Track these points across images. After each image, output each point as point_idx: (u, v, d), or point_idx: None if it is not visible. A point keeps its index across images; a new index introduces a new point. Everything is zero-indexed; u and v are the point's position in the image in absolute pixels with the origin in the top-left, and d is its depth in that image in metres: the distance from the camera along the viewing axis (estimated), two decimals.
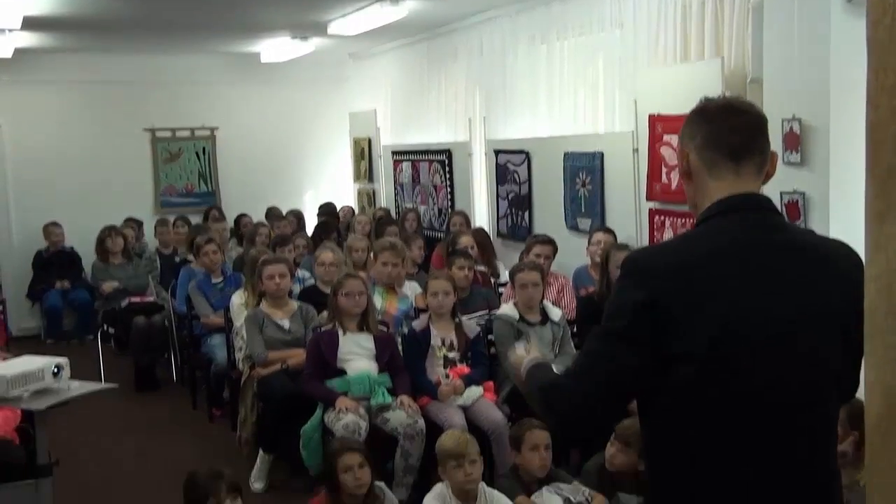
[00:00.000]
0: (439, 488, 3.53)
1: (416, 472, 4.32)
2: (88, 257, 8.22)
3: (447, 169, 8.00)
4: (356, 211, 9.49)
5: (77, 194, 8.99)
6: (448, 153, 7.96)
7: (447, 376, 4.61)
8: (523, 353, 2.00)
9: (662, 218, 5.25)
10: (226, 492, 3.11)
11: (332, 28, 7.25)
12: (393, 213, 8.70)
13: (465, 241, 6.23)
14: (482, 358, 4.78)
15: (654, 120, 5.17)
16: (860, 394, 1.39)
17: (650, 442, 1.77)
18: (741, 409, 1.62)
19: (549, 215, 6.53)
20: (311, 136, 10.08)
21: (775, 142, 4.05)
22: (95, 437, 5.77)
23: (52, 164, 8.96)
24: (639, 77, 5.42)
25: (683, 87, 4.78)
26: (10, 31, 6.88)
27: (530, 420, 3.76)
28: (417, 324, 4.83)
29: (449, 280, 4.82)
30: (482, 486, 3.54)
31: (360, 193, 10.06)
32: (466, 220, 7.28)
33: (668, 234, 5.17)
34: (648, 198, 5.33)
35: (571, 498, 3.55)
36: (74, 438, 5.58)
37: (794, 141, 4.02)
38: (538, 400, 1.80)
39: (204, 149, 9.79)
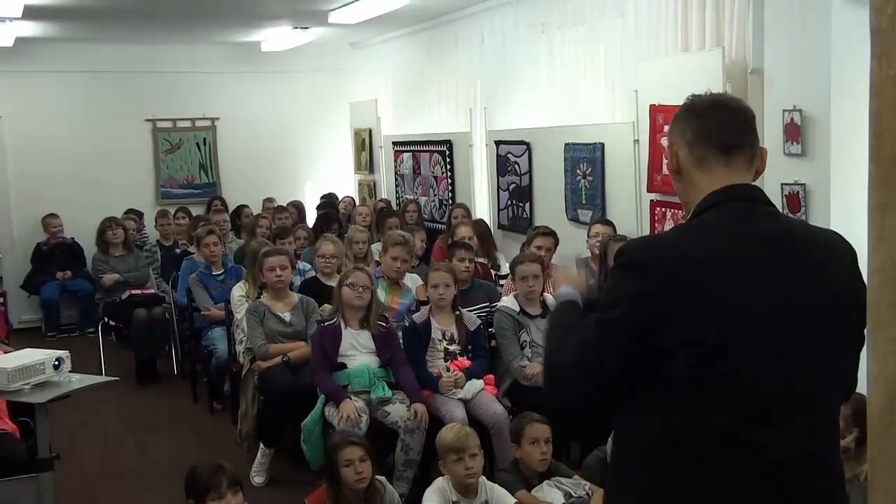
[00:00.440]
0: (440, 482, 3.53)
1: (417, 465, 4.31)
2: (89, 249, 8.22)
3: (448, 160, 7.98)
4: (356, 202, 9.48)
5: (78, 185, 8.97)
6: (449, 144, 7.94)
7: (448, 369, 4.60)
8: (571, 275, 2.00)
9: (663, 209, 5.24)
10: (227, 486, 3.11)
11: (333, 17, 7.23)
12: (394, 205, 8.69)
13: (463, 231, 6.21)
14: (483, 351, 4.77)
15: (654, 110, 5.15)
16: (861, 388, 1.38)
17: (629, 433, 1.76)
18: (736, 401, 1.60)
19: (549, 207, 6.51)
20: (311, 127, 10.06)
21: (776, 132, 4.07)
22: (96, 430, 5.78)
23: (52, 155, 8.93)
24: (640, 67, 5.39)
25: (684, 77, 4.76)
26: (11, 20, 6.86)
27: (530, 414, 3.75)
28: (418, 316, 4.81)
29: (449, 272, 4.80)
30: (482, 480, 3.54)
31: (360, 184, 10.04)
32: (468, 213, 7.27)
33: (668, 226, 5.15)
34: (649, 189, 5.32)
35: (572, 492, 3.55)
36: (75, 432, 5.58)
37: (794, 132, 4.00)
38: (545, 370, 1.83)
39: (204, 139, 9.77)
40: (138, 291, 7.43)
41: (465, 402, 4.48)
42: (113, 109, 9.23)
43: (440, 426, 3.87)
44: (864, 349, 1.60)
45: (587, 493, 3.55)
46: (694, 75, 4.56)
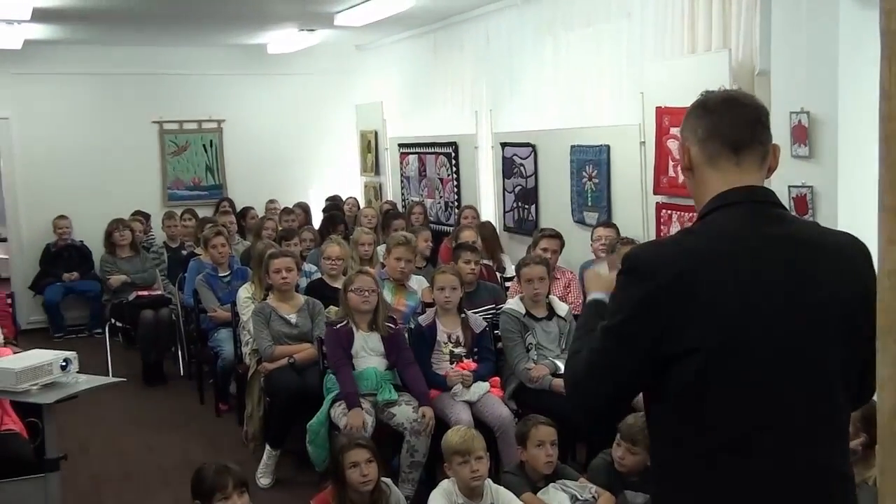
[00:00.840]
0: (445, 484, 3.52)
1: (422, 467, 4.30)
2: (97, 251, 8.25)
3: (453, 162, 7.98)
4: (360, 203, 9.48)
5: (85, 187, 8.98)
6: (454, 146, 7.94)
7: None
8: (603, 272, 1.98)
9: (669, 212, 5.23)
10: (233, 487, 3.11)
11: (339, 19, 7.24)
12: (399, 207, 8.68)
13: (467, 234, 6.21)
14: (488, 353, 4.76)
15: (661, 112, 5.14)
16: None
17: (655, 439, 1.77)
18: (744, 405, 1.60)
19: (555, 209, 6.51)
20: (317, 129, 10.06)
21: (784, 135, 4.05)
22: (103, 431, 5.78)
23: (60, 157, 8.95)
24: (646, 69, 5.39)
25: (691, 79, 4.75)
26: (20, 22, 6.88)
27: (536, 416, 3.75)
28: (424, 319, 4.80)
29: (455, 274, 4.80)
30: (488, 482, 3.53)
31: (366, 186, 10.05)
32: (477, 215, 7.27)
33: (675, 228, 5.14)
34: (655, 191, 5.31)
35: (578, 495, 3.54)
36: (82, 433, 5.59)
37: (802, 134, 3.99)
38: (565, 378, 1.83)
39: (211, 141, 9.78)
40: (145, 293, 7.44)
41: (471, 404, 4.47)
42: (120, 111, 9.24)
43: (446, 428, 3.86)
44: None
45: (593, 496, 3.54)
46: (700, 77, 4.55)
